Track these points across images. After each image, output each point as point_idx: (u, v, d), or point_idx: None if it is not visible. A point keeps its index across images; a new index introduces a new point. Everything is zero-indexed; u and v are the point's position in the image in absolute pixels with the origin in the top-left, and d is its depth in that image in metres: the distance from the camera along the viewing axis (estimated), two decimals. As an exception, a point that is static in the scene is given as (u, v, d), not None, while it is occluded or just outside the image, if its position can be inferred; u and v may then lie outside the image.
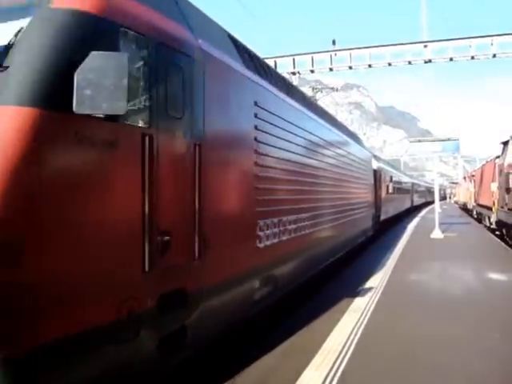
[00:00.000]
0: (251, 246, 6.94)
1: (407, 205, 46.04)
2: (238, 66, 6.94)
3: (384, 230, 26.16)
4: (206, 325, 5.55)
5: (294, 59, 28.12)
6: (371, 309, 9.28)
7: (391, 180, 31.27)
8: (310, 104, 11.97)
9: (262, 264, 7.24)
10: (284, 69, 27.45)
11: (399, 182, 37.78)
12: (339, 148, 13.95)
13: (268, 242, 7.50)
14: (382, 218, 25.25)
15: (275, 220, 7.90)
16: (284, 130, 8.63)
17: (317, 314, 8.79)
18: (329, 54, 27.82)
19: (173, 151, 5.00)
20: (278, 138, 8.25)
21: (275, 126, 8.15)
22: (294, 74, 27.56)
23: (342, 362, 6.35)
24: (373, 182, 21.53)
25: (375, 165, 23.67)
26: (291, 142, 9.04)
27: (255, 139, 7.18)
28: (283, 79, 10.64)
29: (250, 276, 6.84)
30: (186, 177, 5.18)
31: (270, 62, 26.53)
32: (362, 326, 8.07)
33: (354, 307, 9.46)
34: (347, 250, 15.04)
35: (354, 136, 19.00)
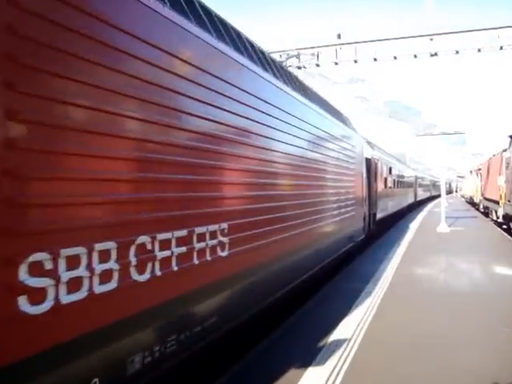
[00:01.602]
0: None
1: (410, 200, 42.40)
2: None
3: (382, 230, 23.05)
4: None
5: (299, 53, 28.02)
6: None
7: (390, 172, 27.38)
8: (249, 49, 7.80)
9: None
10: (289, 62, 27.43)
11: (400, 175, 33.80)
12: (308, 124, 10.00)
13: (72, 297, 3.57)
14: (379, 216, 21.43)
15: (111, 244, 3.97)
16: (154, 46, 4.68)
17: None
18: (334, 47, 27.73)
19: None
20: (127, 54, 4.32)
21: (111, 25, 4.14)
22: (299, 68, 27.50)
23: None
24: (365, 173, 17.59)
25: (369, 153, 19.84)
26: (181, 94, 5.12)
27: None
28: None
29: None
30: None
31: (275, 56, 26.46)
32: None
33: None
34: (317, 268, 10.57)
35: (337, 114, 14.15)
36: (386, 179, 24.82)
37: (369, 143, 21.42)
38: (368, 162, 18.88)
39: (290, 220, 8.53)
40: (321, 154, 10.90)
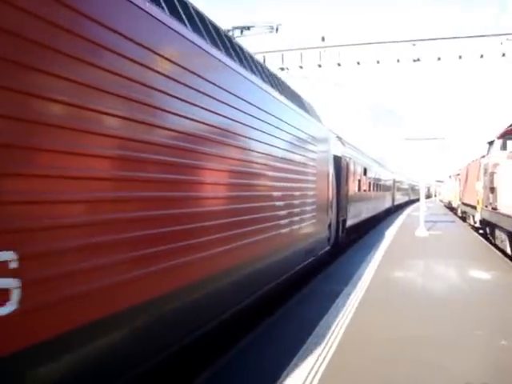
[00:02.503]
0: None
1: (387, 204, 40.02)
2: None
3: (354, 238, 21.19)
4: None
5: (282, 55, 28.11)
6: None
7: (365, 173, 25.04)
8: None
9: None
10: (273, 64, 27.54)
11: (377, 177, 31.15)
12: (244, 101, 7.33)
13: None
14: (350, 222, 19.06)
15: None
16: None
17: None
18: (318, 50, 27.86)
19: None
20: None
21: None
22: (282, 69, 27.58)
23: None
24: (333, 173, 15.02)
25: (339, 150, 17.57)
26: None
27: None
28: None
29: None
30: None
31: (259, 57, 26.50)
32: None
33: None
34: (245, 302, 7.52)
35: (293, 95, 11.19)
36: (359, 181, 22.63)
37: (339, 139, 18.83)
38: (337, 160, 16.66)
39: (200, 235, 5.75)
40: (260, 142, 8.03)
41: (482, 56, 26.13)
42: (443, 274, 12.89)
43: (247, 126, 7.52)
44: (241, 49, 8.39)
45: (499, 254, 16.86)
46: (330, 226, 14.25)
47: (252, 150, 7.77)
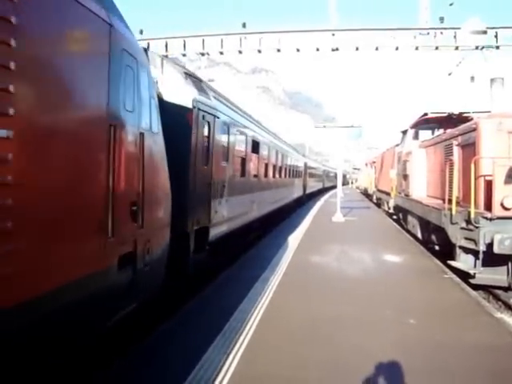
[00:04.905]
0: None
1: (296, 194, 32.77)
2: None
3: (230, 254, 13.55)
4: None
5: (203, 40, 27.83)
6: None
7: (257, 149, 16.78)
8: None
9: None
10: (193, 49, 27.24)
11: (280, 158, 23.22)
12: None
13: None
14: (222, 230, 11.83)
15: None
16: None
17: None
18: (238, 36, 27.79)
19: None
20: None
21: None
22: (202, 54, 27.35)
23: None
24: (159, 137, 6.78)
25: (189, 96, 9.51)
26: None
27: None
28: None
29: None
30: None
31: (179, 42, 26.14)
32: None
33: None
34: None
35: None
36: (243, 160, 14.53)
37: (190, 77, 10.19)
38: (182, 115, 9.29)
39: None
40: None
41: (397, 48, 27.10)
42: (358, 257, 13.43)
43: None
44: None
45: (411, 238, 17.66)
46: (133, 256, 5.65)
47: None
